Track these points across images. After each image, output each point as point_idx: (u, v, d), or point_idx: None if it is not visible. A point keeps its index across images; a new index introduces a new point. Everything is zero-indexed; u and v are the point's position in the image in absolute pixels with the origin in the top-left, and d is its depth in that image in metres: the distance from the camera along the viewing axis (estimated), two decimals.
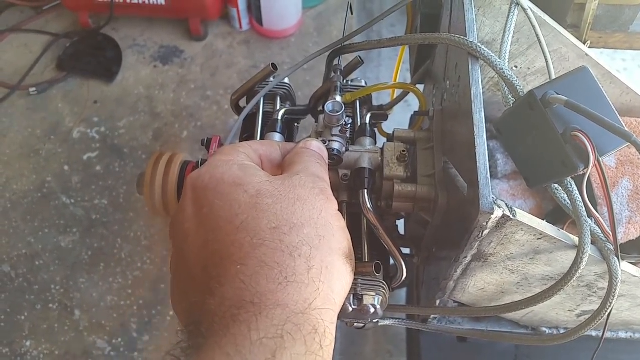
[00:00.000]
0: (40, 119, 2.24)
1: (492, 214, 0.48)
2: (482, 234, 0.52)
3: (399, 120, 1.30)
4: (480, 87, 0.55)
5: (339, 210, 0.52)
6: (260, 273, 0.43)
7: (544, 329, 0.83)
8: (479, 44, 0.57)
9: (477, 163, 0.50)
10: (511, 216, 0.50)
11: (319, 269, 0.45)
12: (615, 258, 0.56)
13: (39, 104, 2.28)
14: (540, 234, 0.54)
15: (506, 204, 0.51)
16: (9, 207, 2.03)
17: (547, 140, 0.53)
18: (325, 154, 0.60)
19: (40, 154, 2.15)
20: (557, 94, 0.52)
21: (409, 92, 0.86)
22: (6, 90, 2.30)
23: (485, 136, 0.52)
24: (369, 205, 0.64)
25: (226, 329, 0.41)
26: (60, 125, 2.22)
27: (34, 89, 2.29)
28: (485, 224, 0.50)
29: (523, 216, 0.52)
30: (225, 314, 0.42)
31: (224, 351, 0.39)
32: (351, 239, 0.52)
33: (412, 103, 1.95)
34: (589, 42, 0.85)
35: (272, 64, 0.73)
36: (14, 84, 2.31)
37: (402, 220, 0.95)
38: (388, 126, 0.87)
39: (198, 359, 0.40)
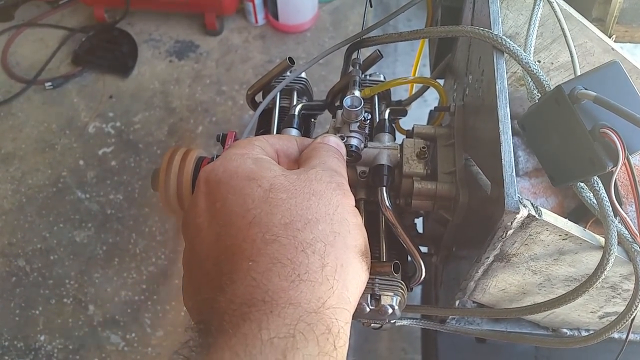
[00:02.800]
0: (56, 114, 2.25)
1: (518, 213, 0.47)
2: (506, 234, 0.50)
3: (415, 117, 1.29)
4: (506, 81, 0.53)
5: (356, 207, 0.51)
6: (272, 270, 0.42)
7: (564, 330, 0.81)
8: (504, 37, 0.55)
9: (502, 160, 0.48)
10: (537, 216, 0.48)
11: (334, 267, 0.44)
12: None
13: (54, 99, 2.29)
14: (566, 234, 0.52)
15: (531, 203, 0.49)
16: (24, 201, 2.04)
17: (575, 137, 0.51)
18: (344, 150, 0.58)
19: (55, 148, 2.16)
20: (586, 89, 0.50)
21: (428, 88, 0.85)
22: (22, 85, 2.31)
23: (510, 132, 0.50)
24: (387, 203, 0.62)
25: (236, 327, 0.39)
26: (75, 120, 2.23)
27: (49, 83, 2.30)
28: (510, 223, 0.48)
29: (549, 216, 0.50)
30: (235, 312, 0.40)
31: (234, 351, 0.38)
32: (369, 237, 0.51)
33: (429, 99, 1.93)
34: (614, 36, 0.82)
35: (289, 57, 0.72)
36: (29, 78, 2.33)
37: (420, 219, 0.93)
38: (403, 123, 0.85)
39: (207, 358, 0.39)
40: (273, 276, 0.41)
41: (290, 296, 0.41)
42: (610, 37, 0.80)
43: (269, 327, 0.39)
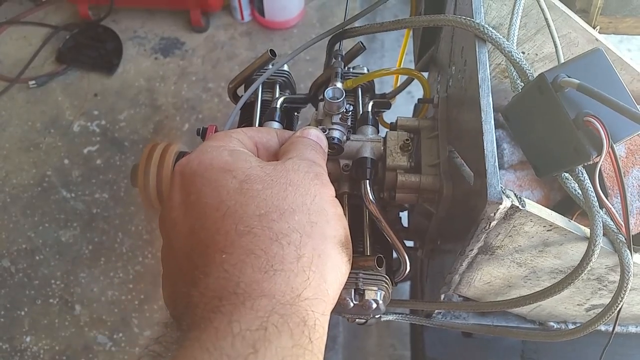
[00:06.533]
0: (40, 112, 2.22)
1: (501, 204, 0.46)
2: (490, 225, 0.49)
3: (402, 112, 1.28)
4: (488, 70, 0.52)
5: (339, 202, 0.50)
6: (246, 261, 0.41)
7: (551, 323, 0.81)
8: (487, 26, 0.55)
9: (485, 151, 0.48)
10: (520, 206, 0.48)
11: (310, 258, 0.43)
12: (628, 250, 0.53)
13: (38, 97, 2.26)
14: (550, 225, 0.51)
15: (515, 194, 0.49)
16: (8, 201, 2.01)
17: (558, 127, 0.51)
18: (325, 143, 0.57)
19: (40, 147, 2.13)
20: (569, 77, 0.49)
21: (412, 81, 0.84)
22: (5, 84, 2.29)
23: (493, 122, 0.49)
24: (371, 197, 0.61)
25: (207, 321, 0.38)
26: (60, 118, 2.20)
27: (33, 81, 2.27)
28: (492, 214, 0.47)
29: (532, 206, 0.49)
30: (207, 305, 0.39)
31: (203, 345, 0.37)
32: (353, 231, 0.50)
33: (415, 94, 1.92)
34: (598, 27, 0.82)
35: (271, 50, 0.71)
36: (13, 76, 2.30)
37: (405, 213, 0.92)
38: (390, 118, 0.84)
39: (177, 354, 0.38)
40: (246, 268, 0.40)
41: (263, 288, 0.40)
42: (594, 28, 0.79)
43: (240, 320, 0.38)
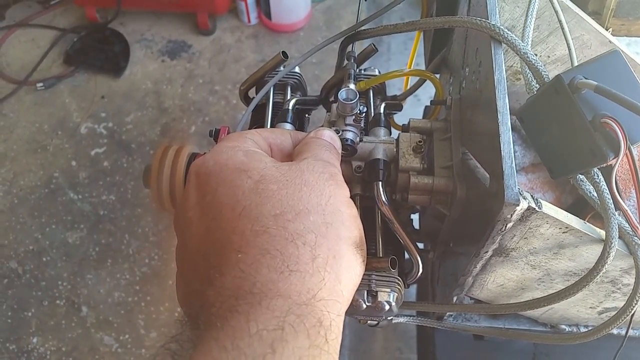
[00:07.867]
0: (48, 114, 2.23)
1: (518, 205, 0.46)
2: (506, 227, 0.49)
3: (408, 114, 1.28)
4: (504, 72, 0.52)
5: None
6: (261, 261, 0.41)
7: (563, 326, 0.80)
8: (502, 27, 0.54)
9: (502, 152, 0.47)
10: (537, 208, 0.48)
11: (325, 258, 0.43)
12: None
13: (46, 99, 2.27)
14: (566, 227, 0.51)
15: (531, 196, 0.48)
16: (16, 203, 2.02)
17: (574, 128, 0.51)
18: (338, 144, 0.57)
19: (47, 149, 2.14)
20: (586, 78, 0.49)
21: (423, 82, 0.84)
22: (13, 86, 2.30)
23: (509, 123, 0.49)
24: (383, 198, 0.61)
25: (224, 320, 0.38)
26: (67, 120, 2.21)
27: (41, 84, 2.28)
28: (509, 216, 0.47)
29: (549, 208, 0.49)
30: (223, 304, 0.39)
31: (221, 344, 0.37)
32: (365, 233, 0.50)
33: (422, 98, 1.92)
34: (610, 29, 0.82)
35: (283, 52, 0.71)
36: (21, 79, 2.31)
37: (416, 215, 0.92)
38: (398, 120, 0.84)
39: (195, 352, 0.38)
40: (262, 268, 0.40)
41: (279, 288, 0.40)
42: (606, 30, 0.79)
43: (257, 320, 0.38)
